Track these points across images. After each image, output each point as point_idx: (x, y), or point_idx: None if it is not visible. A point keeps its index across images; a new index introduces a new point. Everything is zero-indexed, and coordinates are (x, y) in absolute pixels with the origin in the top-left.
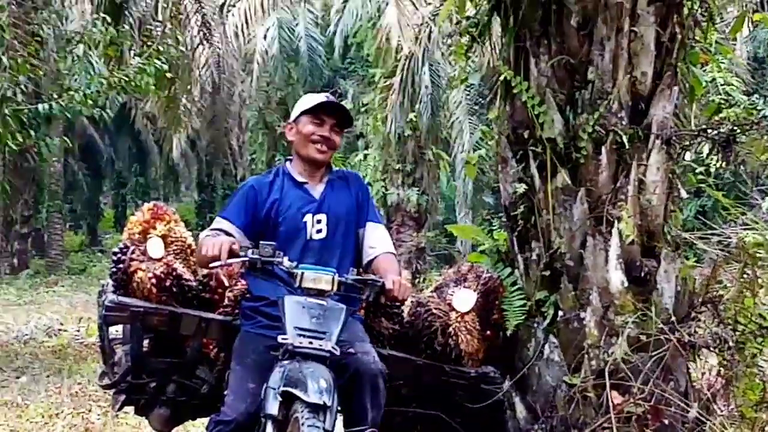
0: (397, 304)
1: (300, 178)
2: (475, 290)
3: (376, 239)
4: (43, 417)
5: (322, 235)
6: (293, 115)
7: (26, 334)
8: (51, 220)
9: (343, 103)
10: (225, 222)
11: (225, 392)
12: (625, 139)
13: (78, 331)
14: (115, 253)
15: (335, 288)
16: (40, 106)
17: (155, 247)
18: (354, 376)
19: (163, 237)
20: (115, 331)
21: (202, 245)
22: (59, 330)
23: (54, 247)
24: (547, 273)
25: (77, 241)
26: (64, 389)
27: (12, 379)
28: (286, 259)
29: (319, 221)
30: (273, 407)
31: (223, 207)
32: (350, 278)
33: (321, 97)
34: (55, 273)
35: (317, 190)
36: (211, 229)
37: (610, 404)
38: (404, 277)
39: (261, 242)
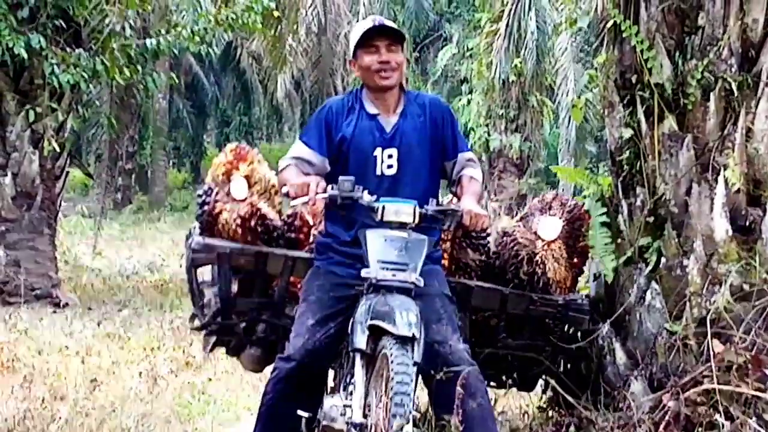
0: (483, 234)
1: (372, 110)
2: (560, 218)
3: (462, 165)
4: (144, 349)
5: (393, 171)
6: (350, 52)
7: (128, 269)
8: (155, 156)
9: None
10: (306, 149)
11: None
12: (734, 86)
13: (180, 267)
14: (199, 196)
15: (416, 220)
16: (147, 42)
17: (239, 187)
18: (439, 377)
19: (247, 177)
20: (203, 274)
21: (287, 180)
22: (161, 266)
23: (157, 184)
24: (651, 219)
25: (180, 179)
26: (166, 323)
27: (114, 312)
28: (365, 193)
29: (390, 156)
30: (361, 341)
31: (304, 129)
32: (431, 209)
33: (367, 24)
34: (157, 209)
35: (390, 122)
36: (293, 158)
37: (711, 353)
38: (480, 203)
39: (340, 177)
